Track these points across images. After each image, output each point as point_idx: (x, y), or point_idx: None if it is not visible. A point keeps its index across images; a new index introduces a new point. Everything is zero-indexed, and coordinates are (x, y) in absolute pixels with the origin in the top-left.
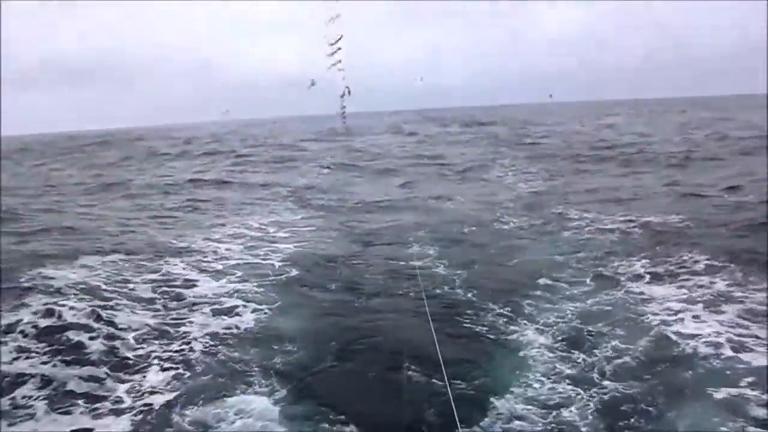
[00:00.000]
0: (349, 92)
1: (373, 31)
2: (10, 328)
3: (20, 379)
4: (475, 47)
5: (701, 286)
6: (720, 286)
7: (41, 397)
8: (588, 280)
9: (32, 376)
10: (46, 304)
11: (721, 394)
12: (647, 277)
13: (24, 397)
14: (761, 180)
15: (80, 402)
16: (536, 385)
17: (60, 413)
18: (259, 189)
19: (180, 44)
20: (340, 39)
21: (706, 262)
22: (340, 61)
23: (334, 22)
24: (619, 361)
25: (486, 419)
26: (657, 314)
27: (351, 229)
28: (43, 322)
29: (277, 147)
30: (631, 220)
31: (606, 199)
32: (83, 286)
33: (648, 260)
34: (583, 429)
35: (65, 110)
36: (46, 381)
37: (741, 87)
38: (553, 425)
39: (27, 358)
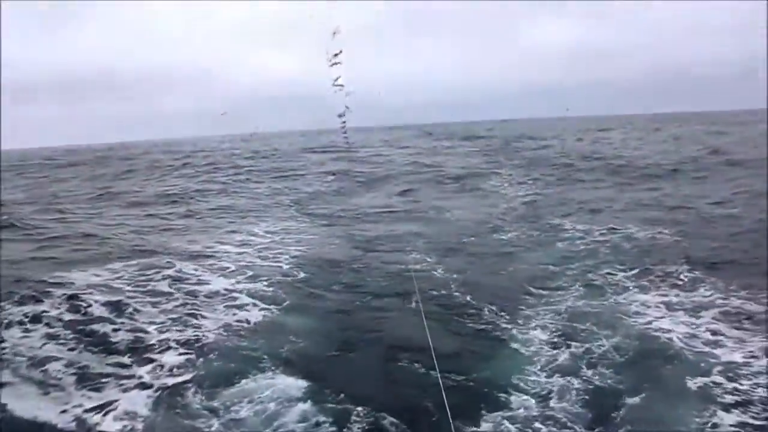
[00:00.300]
0: (345, 118)
1: (372, 46)
2: (36, 319)
3: (50, 360)
4: (478, 61)
5: (682, 291)
6: (700, 291)
7: (70, 374)
8: (578, 285)
9: (61, 358)
10: (70, 299)
11: (695, 382)
12: (632, 284)
13: (55, 375)
14: (748, 193)
15: (106, 380)
16: (527, 376)
17: (88, 389)
18: (265, 198)
19: (179, 58)
20: (339, 53)
21: (688, 273)
22: (339, 77)
23: (334, 37)
24: (605, 355)
25: (476, 407)
26: (640, 315)
27: (353, 236)
28: (68, 316)
29: (281, 158)
30: (619, 231)
31: (598, 210)
32: (104, 286)
33: (634, 269)
34: (571, 415)
35: (61, 125)
36: (74, 362)
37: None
38: (543, 412)
39: (56, 344)
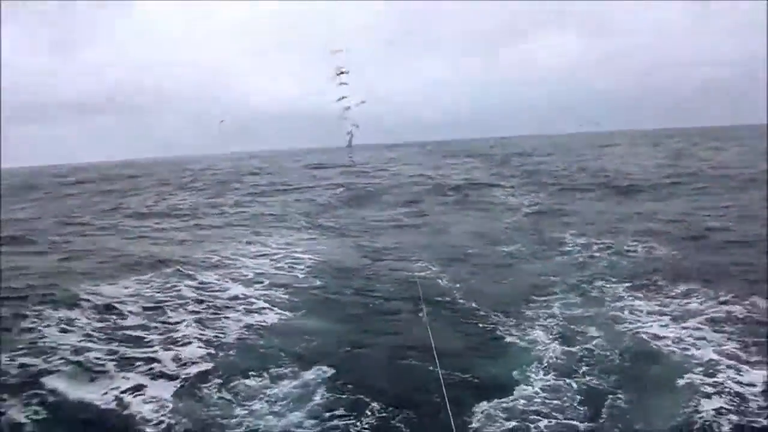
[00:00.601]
0: (352, 134)
1: (376, 62)
2: (71, 324)
3: (90, 350)
4: (478, 78)
5: (673, 300)
6: (690, 301)
7: (110, 360)
8: (576, 294)
9: (99, 350)
10: (103, 305)
11: (681, 379)
12: (626, 295)
13: (96, 363)
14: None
15: (136, 369)
16: (525, 374)
17: (125, 372)
18: (275, 211)
19: (182, 78)
20: (344, 73)
21: (683, 285)
22: (344, 97)
23: (336, 55)
24: (600, 356)
25: (476, 402)
26: (632, 322)
27: (362, 246)
28: (102, 318)
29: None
30: (615, 245)
31: (597, 224)
32: (132, 294)
33: (629, 282)
34: (568, 412)
35: (66, 143)
36: (112, 352)
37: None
38: (540, 409)
39: (92, 341)
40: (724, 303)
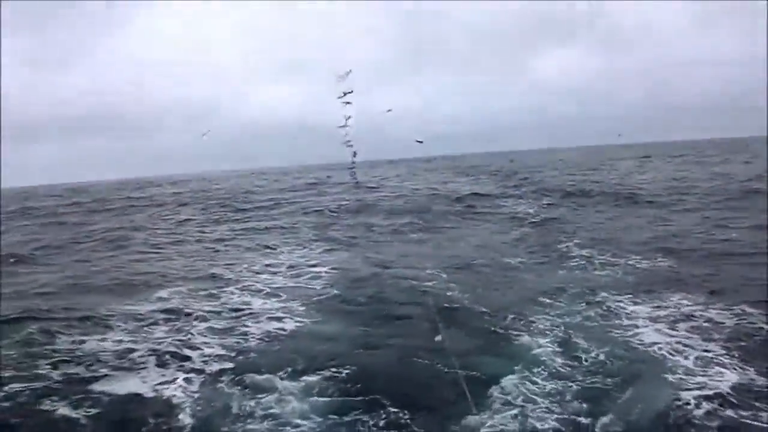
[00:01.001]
0: (355, 154)
1: (376, 79)
2: (103, 342)
3: (131, 350)
4: (483, 93)
5: (666, 308)
6: (683, 310)
7: (150, 356)
8: (579, 302)
9: (138, 350)
10: (135, 316)
11: (668, 377)
12: (624, 302)
13: (138, 361)
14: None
15: (169, 365)
16: (528, 375)
17: (158, 372)
18: (284, 226)
19: (179, 95)
20: (350, 93)
21: (681, 294)
22: (350, 117)
23: (344, 79)
24: (597, 359)
25: (481, 398)
26: (627, 329)
27: (370, 258)
28: (135, 325)
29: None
30: (619, 256)
31: (601, 238)
32: (162, 309)
33: (630, 294)
34: (569, 408)
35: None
36: (152, 350)
37: None
38: (542, 407)
39: (130, 346)
40: (714, 309)
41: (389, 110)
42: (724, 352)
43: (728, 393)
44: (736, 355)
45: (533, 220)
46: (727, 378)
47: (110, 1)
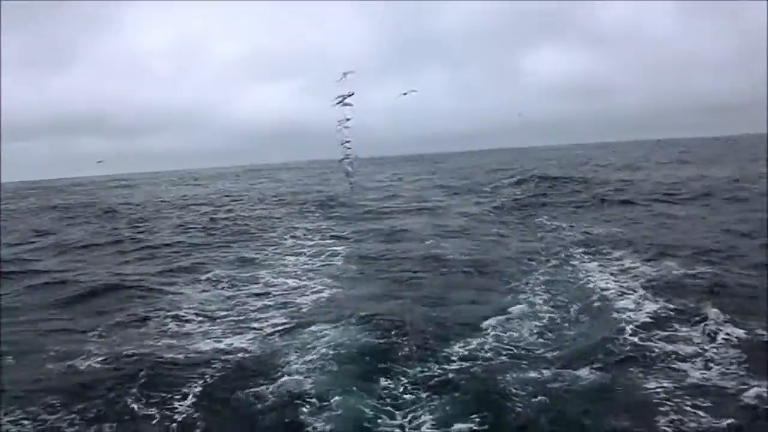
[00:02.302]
0: (351, 164)
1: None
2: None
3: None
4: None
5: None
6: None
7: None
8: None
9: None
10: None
11: (613, 315)
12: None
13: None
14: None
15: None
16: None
17: (214, 339)
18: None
19: (171, 96)
20: (350, 95)
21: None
22: (349, 119)
23: (345, 78)
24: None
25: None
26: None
27: (381, 230)
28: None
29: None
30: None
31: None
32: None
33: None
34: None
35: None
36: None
37: None
38: (519, 344)
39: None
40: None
41: (409, 92)
42: (650, 294)
43: (647, 321)
44: (659, 295)
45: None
46: (648, 309)
47: (96, 1)
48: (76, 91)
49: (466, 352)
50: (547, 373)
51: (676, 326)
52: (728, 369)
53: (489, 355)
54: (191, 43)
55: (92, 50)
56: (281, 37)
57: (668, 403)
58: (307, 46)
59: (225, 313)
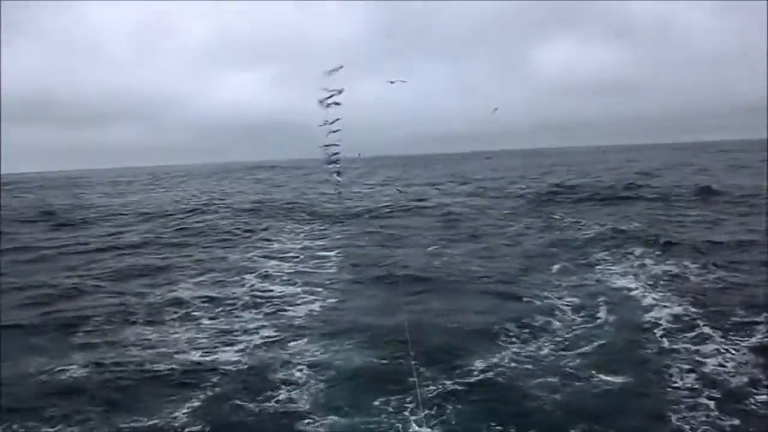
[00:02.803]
0: (339, 172)
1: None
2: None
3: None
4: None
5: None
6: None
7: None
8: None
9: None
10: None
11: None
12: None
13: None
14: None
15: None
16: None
17: (228, 338)
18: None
19: (132, 83)
20: (339, 93)
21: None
22: (338, 119)
23: (333, 74)
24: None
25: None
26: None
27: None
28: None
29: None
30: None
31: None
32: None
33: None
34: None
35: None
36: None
37: None
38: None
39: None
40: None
41: (397, 81)
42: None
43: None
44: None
45: None
46: (670, 309)
47: None
48: (15, 69)
49: (483, 366)
50: (570, 380)
51: (702, 328)
52: (752, 372)
53: (510, 365)
54: (154, 22)
55: (35, 23)
56: (257, 18)
57: (689, 402)
58: (287, 29)
59: (212, 322)
